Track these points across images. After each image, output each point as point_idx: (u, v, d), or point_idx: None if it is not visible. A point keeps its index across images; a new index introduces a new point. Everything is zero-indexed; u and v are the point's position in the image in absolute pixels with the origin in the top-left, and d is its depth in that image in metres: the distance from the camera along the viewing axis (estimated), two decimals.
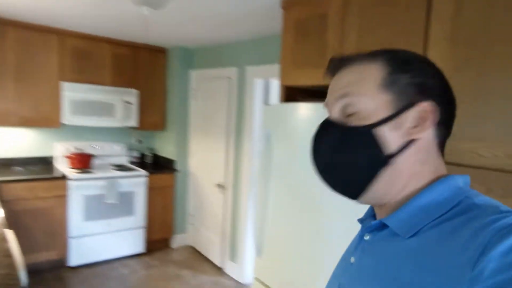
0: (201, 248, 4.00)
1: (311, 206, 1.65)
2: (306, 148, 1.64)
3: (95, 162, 3.83)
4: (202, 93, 3.86)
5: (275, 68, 2.92)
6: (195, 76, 3.96)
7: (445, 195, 0.55)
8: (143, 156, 4.33)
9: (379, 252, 0.59)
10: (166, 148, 4.22)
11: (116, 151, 4.06)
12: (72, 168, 3.58)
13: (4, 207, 3.01)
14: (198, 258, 3.91)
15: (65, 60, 3.43)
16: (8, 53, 3.15)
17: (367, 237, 0.63)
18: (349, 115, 0.58)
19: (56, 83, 3.40)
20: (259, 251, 2.00)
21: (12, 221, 3.05)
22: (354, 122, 0.58)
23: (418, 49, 1.35)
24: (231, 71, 3.41)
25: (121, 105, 3.72)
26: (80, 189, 3.35)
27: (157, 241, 4.01)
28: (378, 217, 0.64)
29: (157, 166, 4.17)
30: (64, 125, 3.50)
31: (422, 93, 0.56)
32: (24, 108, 3.28)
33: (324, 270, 1.54)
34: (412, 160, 0.57)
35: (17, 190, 3.06)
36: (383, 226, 0.60)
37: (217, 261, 3.72)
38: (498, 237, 0.44)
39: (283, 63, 2.06)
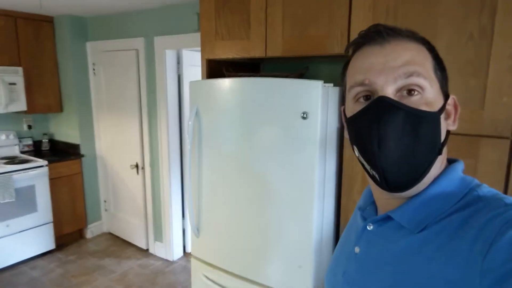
0: (121, 233, 3.77)
1: (245, 180, 1.66)
2: (236, 123, 1.63)
3: None
4: (105, 68, 3.46)
5: (187, 38, 2.76)
6: (93, 48, 3.50)
7: (451, 188, 0.56)
8: (37, 143, 3.76)
9: (387, 244, 0.58)
10: (65, 131, 3.73)
11: (3, 142, 3.44)
12: None
13: None
14: (119, 244, 3.69)
15: None
16: None
17: (370, 227, 0.62)
18: (410, 95, 0.54)
19: None
20: (196, 230, 1.96)
21: None
22: (418, 105, 0.53)
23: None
24: (138, 42, 3.10)
25: (2, 87, 3.11)
26: None
27: (69, 234, 3.64)
28: (381, 206, 0.64)
29: (57, 152, 3.69)
30: None
31: (447, 86, 0.58)
32: None
33: (262, 243, 1.59)
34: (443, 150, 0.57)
35: None
36: (388, 217, 0.60)
37: (141, 244, 3.57)
38: (505, 228, 0.45)
39: (203, 35, 1.94)
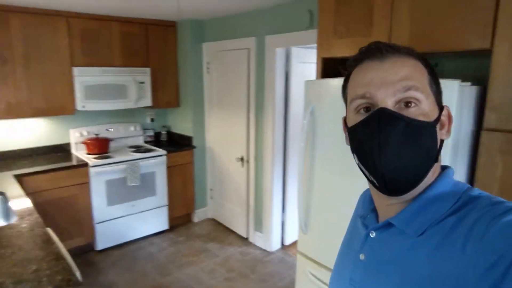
0: (224, 220, 4.03)
1: (359, 181, 1.61)
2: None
3: (112, 145, 3.75)
4: (217, 66, 3.71)
5: (297, 35, 2.79)
6: (208, 49, 3.79)
7: (445, 192, 0.60)
8: (157, 134, 4.24)
9: (390, 250, 0.62)
10: (181, 125, 4.12)
11: (131, 132, 3.97)
12: (90, 153, 3.50)
13: (30, 200, 2.96)
14: (221, 230, 3.95)
15: (75, 44, 3.25)
16: (15, 41, 2.95)
17: (373, 235, 0.66)
18: (408, 106, 0.58)
19: (67, 69, 3.24)
20: (304, 227, 1.99)
21: (39, 214, 3.01)
22: (415, 116, 0.57)
23: None
24: (250, 41, 3.25)
25: (134, 85, 3.58)
26: (101, 175, 3.29)
27: (180, 217, 4.03)
28: (382, 213, 0.67)
29: (173, 143, 4.10)
30: (78, 111, 3.38)
31: (441, 98, 0.62)
32: (36, 98, 3.13)
33: None
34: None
35: (39, 182, 3.00)
36: (389, 224, 0.63)
37: (242, 232, 3.76)
38: (492, 224, 0.50)
39: (321, 33, 1.94)
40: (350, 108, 0.64)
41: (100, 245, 3.41)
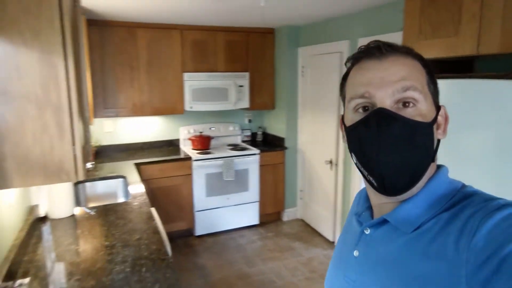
0: (311, 222, 4.08)
1: None
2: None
3: (213, 142, 4.16)
4: (311, 70, 3.81)
5: (391, 37, 2.69)
6: (303, 53, 3.92)
7: (441, 190, 0.60)
8: (254, 134, 4.53)
9: (384, 246, 0.62)
10: (275, 126, 4.34)
11: (230, 132, 4.34)
12: (194, 149, 3.95)
13: (143, 185, 3.51)
14: (308, 231, 4.01)
15: (186, 52, 3.74)
16: (141, 51, 3.56)
17: (367, 231, 0.67)
18: (406, 106, 0.58)
19: (179, 74, 3.74)
20: None
21: (150, 197, 3.56)
22: (413, 116, 0.58)
23: None
24: (342, 45, 3.27)
25: (234, 88, 3.92)
26: (202, 169, 3.69)
27: (270, 214, 4.23)
28: (377, 210, 0.68)
29: (267, 143, 4.33)
30: (186, 111, 3.86)
31: (438, 98, 0.62)
32: (154, 99, 3.71)
33: None
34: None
35: (152, 171, 3.53)
36: (383, 221, 0.64)
37: (328, 235, 3.76)
38: (484, 220, 0.51)
39: (406, 35, 1.89)
40: (348, 107, 0.64)
41: (198, 231, 3.82)
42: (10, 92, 1.18)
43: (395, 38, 2.62)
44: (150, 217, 2.10)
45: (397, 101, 0.58)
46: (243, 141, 4.43)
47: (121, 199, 2.85)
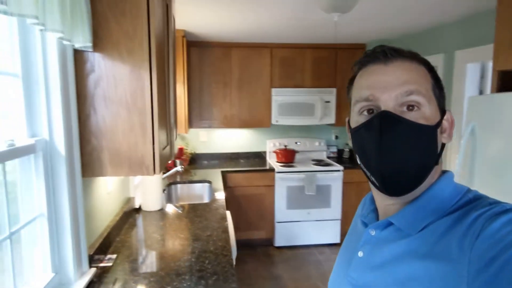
0: None
1: None
2: None
3: (298, 156, 4.23)
4: None
5: (490, 49, 2.43)
6: None
7: (445, 194, 0.60)
8: (340, 151, 4.46)
9: (388, 247, 0.62)
10: None
11: (315, 147, 4.36)
12: (278, 162, 4.08)
13: (227, 192, 3.76)
14: None
15: (275, 69, 3.95)
16: (233, 68, 3.89)
17: (373, 233, 0.67)
18: (410, 110, 0.59)
19: (267, 90, 3.96)
20: None
21: (233, 203, 3.79)
22: (417, 119, 0.59)
23: None
24: (437, 59, 3.05)
25: (320, 104, 3.96)
26: (284, 181, 3.79)
27: None
28: (382, 212, 0.69)
29: (353, 161, 4.21)
30: (273, 124, 4.04)
31: (444, 103, 0.63)
32: (243, 113, 3.98)
33: None
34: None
35: (238, 179, 3.76)
36: (388, 223, 0.64)
37: None
38: (488, 223, 0.51)
39: (497, 44, 1.71)
40: (354, 110, 0.66)
41: (278, 242, 3.90)
42: (109, 97, 1.47)
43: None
44: (223, 218, 2.27)
45: (401, 104, 0.60)
46: (329, 157, 4.39)
47: (204, 201, 3.13)
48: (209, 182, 3.27)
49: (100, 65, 1.45)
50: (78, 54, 1.43)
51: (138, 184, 2.46)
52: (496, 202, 0.55)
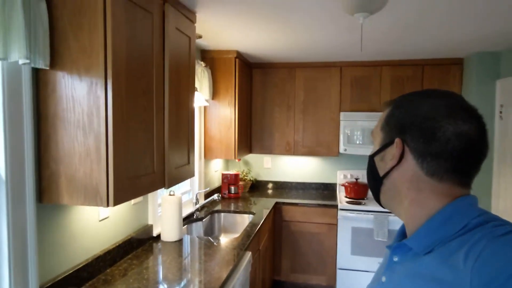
0: None
1: None
2: None
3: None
4: None
5: None
6: (503, 87, 2.86)
7: (456, 217, 0.63)
8: None
9: (404, 271, 0.67)
10: None
11: None
12: (347, 196, 3.51)
13: (284, 226, 3.37)
14: None
15: (345, 90, 3.46)
16: (298, 91, 3.56)
17: (395, 259, 0.71)
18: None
19: (335, 114, 3.49)
20: None
21: (288, 240, 3.36)
22: (370, 153, 0.77)
23: None
24: None
25: (361, 131, 3.27)
26: (348, 220, 3.21)
27: None
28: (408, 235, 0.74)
29: None
30: (345, 154, 3.51)
31: (402, 131, 0.69)
32: (308, 139, 3.57)
33: None
34: (403, 186, 0.69)
35: (294, 212, 3.34)
36: (408, 248, 0.68)
37: None
38: (488, 244, 0.55)
39: None
40: None
41: None
42: (68, 119, 1.35)
43: None
44: (233, 261, 1.93)
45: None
46: None
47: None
48: (253, 213, 2.96)
49: (61, 84, 1.36)
50: (41, 73, 1.36)
51: (157, 212, 2.33)
52: (503, 224, 0.58)
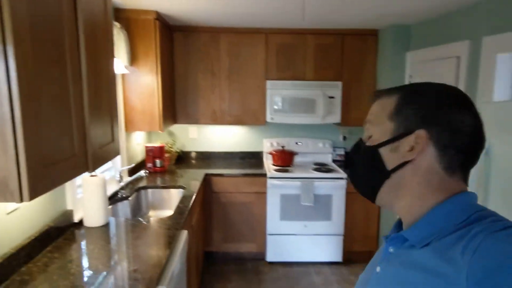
0: None
1: None
2: None
3: (298, 159, 3.71)
4: (420, 80, 2.96)
5: None
6: (412, 59, 3.11)
7: (455, 212, 0.63)
8: (348, 154, 3.87)
9: (399, 263, 0.66)
10: None
11: (319, 149, 3.81)
12: (274, 164, 3.58)
13: (214, 198, 3.33)
14: None
15: (271, 58, 3.42)
16: (223, 57, 3.40)
17: (391, 250, 0.71)
18: (369, 137, 0.73)
19: (262, 82, 3.45)
20: None
21: (218, 211, 3.35)
22: (370, 143, 0.72)
23: None
24: (461, 47, 2.40)
25: (323, 100, 3.39)
26: (277, 188, 3.29)
27: (358, 253, 3.51)
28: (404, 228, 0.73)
29: None
30: (271, 123, 3.53)
31: (424, 122, 0.65)
32: (234, 107, 3.50)
33: None
34: (413, 180, 0.67)
35: (224, 184, 3.31)
36: (404, 240, 0.68)
37: None
38: (485, 239, 0.54)
39: None
40: None
41: (270, 257, 3.43)
42: None
43: None
44: (169, 243, 1.82)
45: (366, 133, 0.74)
46: (335, 161, 3.83)
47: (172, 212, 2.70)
48: (183, 187, 2.84)
49: None
50: None
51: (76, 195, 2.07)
52: (501, 220, 0.58)
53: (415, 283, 0.60)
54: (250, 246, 3.44)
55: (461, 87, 2.39)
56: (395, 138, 0.67)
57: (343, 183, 3.31)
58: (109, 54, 1.79)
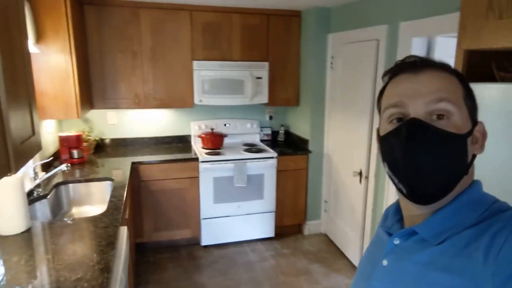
0: (336, 239, 3.51)
1: None
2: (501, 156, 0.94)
3: (228, 141, 3.69)
4: (342, 61, 3.18)
5: (444, 20, 2.03)
6: (333, 40, 3.29)
7: (472, 204, 0.60)
8: (275, 133, 3.99)
9: (411, 257, 0.62)
10: (299, 125, 3.76)
11: (247, 129, 3.84)
12: (204, 147, 3.51)
13: (142, 187, 3.13)
14: (331, 251, 3.44)
15: (196, 37, 3.27)
16: (144, 35, 3.14)
17: (397, 242, 0.67)
18: (440, 118, 0.58)
19: (188, 63, 3.29)
20: None
21: (148, 201, 3.17)
22: (446, 128, 0.58)
23: None
24: (380, 31, 2.61)
25: (250, 81, 3.39)
26: (209, 171, 3.24)
27: (288, 227, 3.70)
28: (408, 222, 0.68)
29: (289, 145, 3.78)
30: (197, 105, 3.41)
31: (476, 114, 0.62)
32: (160, 90, 3.29)
33: None
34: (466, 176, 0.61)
35: (153, 171, 3.13)
36: (412, 232, 0.64)
37: (354, 259, 3.18)
38: (510, 235, 0.51)
39: (465, 13, 1.26)
40: (383, 118, 0.65)
41: (205, 240, 3.40)
42: None
43: (449, 20, 1.96)
44: (111, 243, 1.67)
45: (430, 112, 0.59)
46: (262, 140, 3.91)
47: (101, 208, 2.47)
48: (111, 179, 2.61)
49: None
50: None
51: None
52: None
53: (439, 284, 0.56)
54: (184, 233, 3.36)
55: (381, 68, 2.61)
56: (473, 128, 0.60)
57: (273, 162, 3.41)
58: (23, 31, 1.50)
